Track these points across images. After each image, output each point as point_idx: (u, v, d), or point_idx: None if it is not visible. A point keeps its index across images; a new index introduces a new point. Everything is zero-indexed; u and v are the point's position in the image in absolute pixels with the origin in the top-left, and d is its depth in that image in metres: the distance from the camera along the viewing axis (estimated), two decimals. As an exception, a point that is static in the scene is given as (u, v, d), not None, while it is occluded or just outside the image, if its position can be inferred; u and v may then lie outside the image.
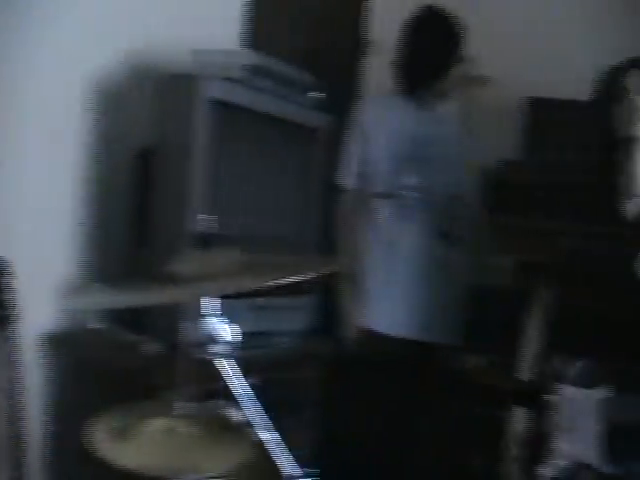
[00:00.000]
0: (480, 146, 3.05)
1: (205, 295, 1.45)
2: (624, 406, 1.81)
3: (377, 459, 2.48)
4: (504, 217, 2.84)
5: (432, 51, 2.56)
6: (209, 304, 1.46)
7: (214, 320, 1.45)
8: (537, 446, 1.84)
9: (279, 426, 1.49)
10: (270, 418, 1.47)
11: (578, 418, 1.77)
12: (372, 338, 2.53)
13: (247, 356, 1.52)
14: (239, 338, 1.48)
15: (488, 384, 2.18)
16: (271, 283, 1.37)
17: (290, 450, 1.48)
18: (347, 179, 2.61)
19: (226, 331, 1.46)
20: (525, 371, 2.16)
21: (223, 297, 1.45)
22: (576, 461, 1.76)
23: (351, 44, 3.27)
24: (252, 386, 1.48)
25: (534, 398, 1.88)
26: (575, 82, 2.42)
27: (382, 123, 2.58)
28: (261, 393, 1.47)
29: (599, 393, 1.79)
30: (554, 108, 2.82)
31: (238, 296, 1.56)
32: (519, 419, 2.08)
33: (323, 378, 2.45)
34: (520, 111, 2.98)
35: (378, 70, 3.33)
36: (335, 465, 2.49)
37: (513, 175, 2.78)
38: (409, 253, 2.54)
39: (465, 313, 2.62)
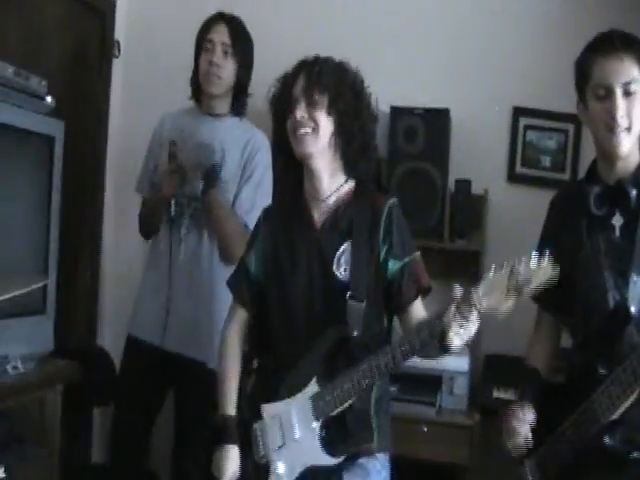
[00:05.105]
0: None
1: None
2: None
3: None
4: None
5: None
6: None
7: None
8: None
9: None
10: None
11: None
12: (134, 346, 2.54)
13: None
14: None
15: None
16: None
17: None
18: (141, 187, 2.64)
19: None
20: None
21: None
22: None
23: (93, 47, 3.12)
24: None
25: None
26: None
27: (177, 135, 2.53)
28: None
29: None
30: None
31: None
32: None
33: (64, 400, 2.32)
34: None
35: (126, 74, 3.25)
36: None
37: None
38: (177, 263, 2.47)
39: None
